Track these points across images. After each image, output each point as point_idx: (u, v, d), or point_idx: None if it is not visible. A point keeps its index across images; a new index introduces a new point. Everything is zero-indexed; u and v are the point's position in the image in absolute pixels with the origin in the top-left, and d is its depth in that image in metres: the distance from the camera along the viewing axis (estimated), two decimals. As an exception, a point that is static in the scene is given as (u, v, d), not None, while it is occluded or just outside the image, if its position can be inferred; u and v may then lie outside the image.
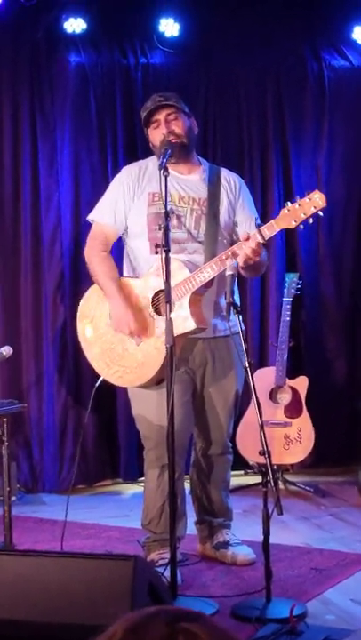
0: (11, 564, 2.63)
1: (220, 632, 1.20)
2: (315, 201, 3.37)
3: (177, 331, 3.32)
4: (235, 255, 3.48)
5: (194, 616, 1.20)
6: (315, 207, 3.37)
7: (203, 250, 3.72)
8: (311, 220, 3.42)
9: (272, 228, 3.46)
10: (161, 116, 3.77)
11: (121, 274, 3.89)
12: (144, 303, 3.70)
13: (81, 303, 3.93)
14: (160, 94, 3.85)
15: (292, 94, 5.71)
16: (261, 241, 3.45)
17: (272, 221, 3.47)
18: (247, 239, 3.45)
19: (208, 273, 3.55)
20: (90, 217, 3.95)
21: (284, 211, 3.43)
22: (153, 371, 3.63)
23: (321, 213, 3.40)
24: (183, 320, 3.53)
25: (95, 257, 3.84)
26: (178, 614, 1.20)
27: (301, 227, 3.47)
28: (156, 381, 3.65)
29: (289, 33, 5.70)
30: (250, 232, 3.49)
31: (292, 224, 3.42)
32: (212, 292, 3.72)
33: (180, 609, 1.23)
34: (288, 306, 5.02)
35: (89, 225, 3.96)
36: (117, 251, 4.06)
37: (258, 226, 3.52)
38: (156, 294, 3.67)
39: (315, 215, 3.40)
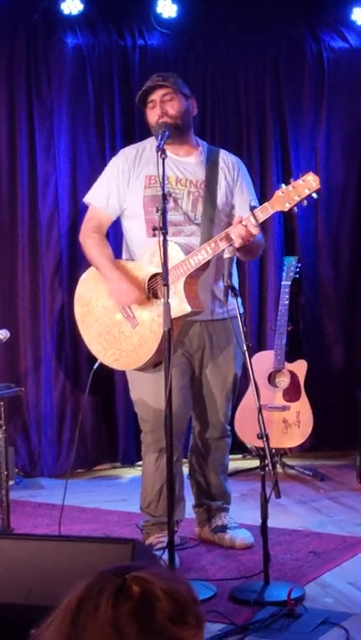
0: (9, 548, 2.63)
1: (168, 572, 1.26)
2: (308, 183, 3.35)
3: (173, 314, 3.31)
4: (228, 238, 3.47)
5: (139, 565, 1.25)
6: (309, 189, 3.35)
7: (200, 232, 3.70)
8: (305, 202, 3.40)
9: (266, 211, 3.44)
10: (157, 96, 3.75)
11: (120, 256, 3.87)
12: (140, 287, 3.68)
13: (78, 286, 3.92)
14: (159, 74, 3.83)
15: (291, 76, 5.67)
16: (255, 223, 3.43)
17: (266, 204, 3.46)
18: (240, 222, 3.43)
19: (203, 256, 3.54)
20: (85, 199, 3.95)
21: (278, 193, 3.41)
22: (149, 354, 3.63)
23: (315, 195, 3.37)
24: (178, 303, 3.52)
25: (88, 238, 3.84)
26: (123, 566, 1.24)
27: (295, 209, 3.45)
28: (153, 364, 3.65)
29: (288, 14, 5.66)
30: (243, 215, 3.47)
31: (286, 206, 3.40)
32: (210, 275, 3.71)
33: (124, 563, 1.27)
34: (287, 289, 5.01)
35: (87, 208, 3.95)
36: (118, 234, 4.05)
37: (252, 208, 3.50)
38: (152, 277, 3.66)
39: (309, 197, 3.38)
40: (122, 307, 3.71)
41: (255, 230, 3.43)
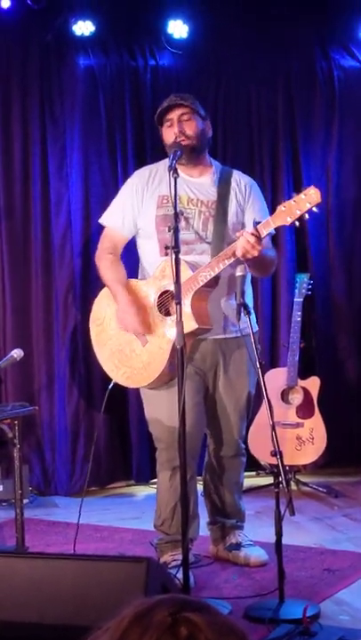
0: (23, 567, 2.63)
1: (222, 622, 1.21)
2: (310, 197, 3.37)
3: (178, 330, 3.32)
4: (233, 254, 3.49)
5: (198, 605, 1.23)
6: (310, 203, 3.37)
7: (210, 251, 3.72)
8: (307, 216, 3.42)
9: (268, 225, 3.47)
10: (174, 115, 3.77)
11: (136, 276, 3.90)
12: (150, 304, 3.71)
13: (93, 306, 3.95)
14: (176, 95, 3.87)
15: (302, 95, 5.70)
16: (258, 237, 3.44)
17: (268, 218, 3.49)
18: (242, 235, 3.45)
19: (209, 273, 3.56)
20: (100, 220, 3.98)
21: (280, 208, 3.44)
22: (157, 371, 3.64)
23: (316, 209, 3.40)
24: (185, 320, 3.52)
25: (102, 260, 3.87)
26: (183, 603, 1.22)
27: (297, 224, 3.47)
28: (165, 381, 3.66)
29: (298, 33, 5.68)
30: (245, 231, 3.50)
31: (288, 220, 3.42)
32: (222, 293, 3.73)
33: (187, 598, 1.25)
34: (299, 306, 5.01)
35: (99, 228, 3.99)
36: (132, 253, 4.07)
37: (256, 224, 3.52)
38: (161, 295, 3.68)
39: (310, 211, 3.40)
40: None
41: (258, 244, 3.44)
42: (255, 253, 3.46)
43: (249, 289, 3.75)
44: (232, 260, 3.49)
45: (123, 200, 3.87)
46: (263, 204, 3.94)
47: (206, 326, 3.62)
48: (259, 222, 3.53)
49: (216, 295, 3.70)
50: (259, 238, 3.44)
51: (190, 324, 3.55)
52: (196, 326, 3.56)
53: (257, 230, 3.45)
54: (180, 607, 1.20)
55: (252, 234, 3.43)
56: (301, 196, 3.38)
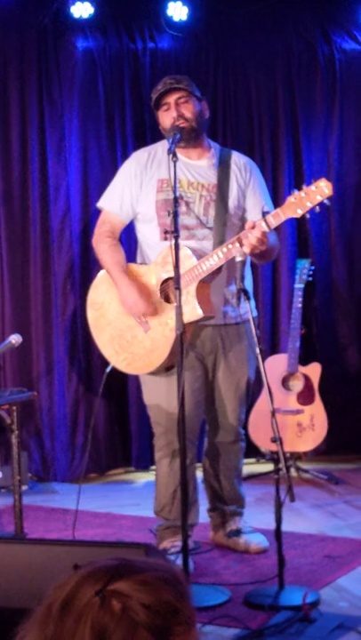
0: (22, 553, 2.62)
1: (153, 577, 1.19)
2: (321, 189, 3.32)
3: (185, 318, 3.30)
4: (241, 243, 3.44)
5: (121, 570, 1.19)
6: (321, 196, 3.32)
7: (212, 236, 3.69)
8: (318, 209, 3.37)
9: (278, 217, 3.42)
10: (171, 99, 3.73)
11: (134, 260, 3.86)
12: (152, 291, 3.67)
13: (90, 290, 3.91)
14: (171, 77, 3.81)
15: (303, 78, 5.66)
16: (267, 230, 3.41)
17: (278, 210, 3.43)
18: (253, 227, 3.41)
19: (214, 260, 3.52)
20: (98, 204, 3.93)
21: (290, 199, 3.39)
22: (161, 358, 3.62)
23: (327, 202, 3.34)
24: (191, 308, 3.50)
25: (101, 244, 3.82)
26: (104, 574, 1.19)
27: (307, 216, 3.43)
28: (166, 368, 3.64)
29: (299, 15, 5.65)
30: (255, 221, 3.45)
31: (298, 213, 3.37)
32: (222, 279, 3.69)
33: (105, 566, 1.21)
34: (300, 292, 4.99)
35: (98, 212, 3.94)
36: (132, 237, 4.04)
37: (264, 214, 3.48)
38: (164, 282, 3.64)
39: (321, 203, 3.35)
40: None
41: (266, 238, 3.41)
42: (263, 248, 3.43)
43: (249, 274, 3.72)
44: (239, 248, 3.44)
45: (121, 184, 3.83)
46: (264, 187, 3.90)
47: (211, 314, 3.60)
48: (267, 212, 3.50)
49: (216, 281, 3.67)
50: (266, 232, 3.40)
51: (196, 313, 3.52)
52: (202, 314, 3.54)
53: (266, 221, 3.41)
54: (105, 580, 1.17)
55: (260, 230, 3.38)
56: (312, 187, 3.33)
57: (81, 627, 1.15)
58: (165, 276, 3.64)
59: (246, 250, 3.41)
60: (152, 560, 1.26)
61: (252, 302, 3.45)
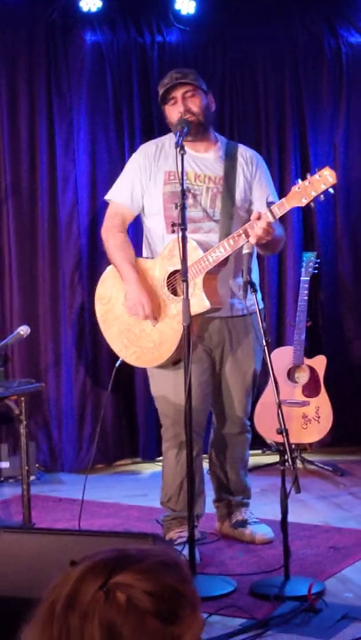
0: (30, 543, 2.64)
1: (154, 564, 1.18)
2: (325, 178, 3.33)
3: (192, 311, 3.31)
4: (246, 234, 3.46)
5: (122, 561, 1.18)
6: (325, 184, 3.33)
7: (218, 229, 3.70)
8: (323, 197, 3.38)
9: (283, 207, 3.44)
10: (178, 93, 3.74)
11: (141, 253, 3.88)
12: (159, 284, 3.69)
13: (98, 285, 3.92)
14: (177, 70, 3.82)
15: (310, 71, 5.66)
16: (272, 220, 3.43)
17: (283, 200, 3.45)
18: (258, 218, 3.42)
19: (221, 252, 3.54)
20: (107, 196, 3.94)
21: (294, 188, 3.41)
22: (170, 351, 3.63)
23: (332, 190, 3.36)
24: (198, 300, 3.52)
25: (112, 238, 3.82)
26: (106, 566, 1.18)
27: (313, 204, 3.44)
28: (174, 361, 3.65)
29: (306, 9, 5.65)
30: (261, 211, 3.47)
31: (303, 202, 3.39)
32: (229, 271, 3.71)
33: (106, 558, 1.20)
34: (306, 285, 5.00)
35: (106, 205, 3.95)
36: (137, 230, 4.05)
37: (269, 204, 3.49)
38: (171, 275, 3.66)
39: (326, 192, 3.37)
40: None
41: (272, 229, 3.43)
42: (269, 238, 3.45)
43: (255, 267, 3.74)
44: (245, 240, 3.46)
45: (130, 176, 3.84)
46: (270, 179, 3.91)
47: (218, 305, 3.62)
48: (272, 202, 3.51)
49: (223, 273, 3.69)
50: (271, 222, 3.42)
51: (204, 304, 3.54)
52: (209, 306, 3.55)
53: (271, 212, 3.43)
54: (106, 574, 1.17)
55: (265, 220, 3.40)
56: (316, 176, 3.35)
57: (88, 624, 1.14)
58: (172, 269, 3.65)
59: (252, 240, 3.43)
60: (147, 547, 1.25)
61: (259, 294, 3.48)
